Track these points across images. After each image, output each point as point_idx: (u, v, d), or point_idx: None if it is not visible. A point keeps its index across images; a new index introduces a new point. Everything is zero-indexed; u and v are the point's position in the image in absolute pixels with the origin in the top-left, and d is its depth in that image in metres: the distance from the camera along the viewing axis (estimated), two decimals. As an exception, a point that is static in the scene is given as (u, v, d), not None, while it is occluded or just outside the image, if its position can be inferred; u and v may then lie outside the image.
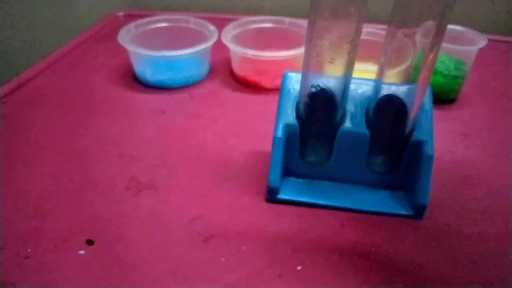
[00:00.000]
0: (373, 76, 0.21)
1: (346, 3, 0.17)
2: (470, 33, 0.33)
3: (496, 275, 0.20)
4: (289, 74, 0.24)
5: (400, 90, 0.20)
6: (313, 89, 0.20)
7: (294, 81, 0.23)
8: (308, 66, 0.20)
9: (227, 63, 0.38)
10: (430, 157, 0.21)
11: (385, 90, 0.20)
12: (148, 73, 0.34)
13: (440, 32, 0.17)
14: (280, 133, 0.22)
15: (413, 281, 0.19)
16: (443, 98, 0.34)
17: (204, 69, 0.37)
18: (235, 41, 0.35)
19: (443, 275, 0.20)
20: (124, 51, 0.35)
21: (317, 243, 0.21)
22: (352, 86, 0.23)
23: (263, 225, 0.22)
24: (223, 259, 0.20)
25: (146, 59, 0.34)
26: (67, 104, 0.33)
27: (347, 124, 0.22)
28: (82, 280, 0.19)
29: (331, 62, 0.19)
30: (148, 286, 0.19)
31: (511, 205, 0.24)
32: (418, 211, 0.22)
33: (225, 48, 0.34)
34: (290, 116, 0.22)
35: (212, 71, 0.38)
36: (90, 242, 0.21)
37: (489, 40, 0.32)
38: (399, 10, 0.18)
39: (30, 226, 0.22)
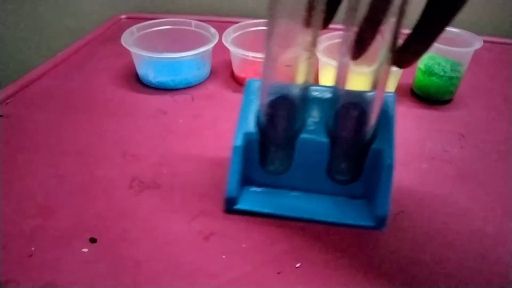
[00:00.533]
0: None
1: (302, 10, 0.17)
2: (465, 34, 0.33)
3: (492, 273, 0.20)
4: (252, 81, 0.23)
5: (360, 97, 0.19)
6: (271, 96, 0.20)
7: (257, 88, 0.23)
8: (266, 73, 0.19)
9: (228, 65, 0.39)
10: (390, 166, 0.21)
11: (345, 97, 0.20)
12: (150, 75, 0.35)
13: (397, 31, 0.17)
14: (239, 141, 0.22)
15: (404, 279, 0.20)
16: (439, 99, 0.34)
17: (205, 71, 0.37)
18: (236, 44, 0.35)
19: (439, 273, 0.20)
20: (127, 53, 0.35)
21: (314, 242, 0.21)
22: (314, 93, 0.22)
23: (264, 223, 0.22)
24: (224, 256, 0.20)
25: (148, 61, 0.34)
26: (70, 104, 0.33)
27: (307, 132, 0.22)
28: (85, 278, 0.19)
29: (288, 68, 0.19)
30: (150, 284, 0.19)
31: (506, 203, 0.24)
32: (379, 222, 0.21)
33: (225, 50, 0.35)
34: (250, 124, 0.22)
35: (213, 73, 0.38)
36: (93, 240, 0.21)
37: (485, 41, 0.32)
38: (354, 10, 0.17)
39: (34, 224, 0.22)
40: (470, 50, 0.32)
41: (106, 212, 0.23)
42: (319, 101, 0.22)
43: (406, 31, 0.17)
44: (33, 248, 0.21)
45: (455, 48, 0.32)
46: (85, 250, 0.21)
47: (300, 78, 0.19)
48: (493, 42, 0.44)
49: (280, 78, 0.19)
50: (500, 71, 0.40)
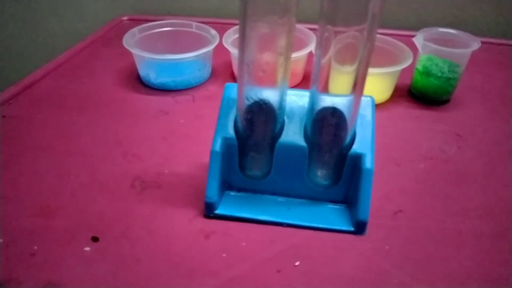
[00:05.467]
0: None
1: (274, 14, 0.17)
2: (463, 35, 0.33)
3: (490, 273, 0.20)
4: (230, 85, 0.23)
5: (337, 101, 0.19)
6: (247, 101, 0.20)
7: (235, 93, 0.22)
8: (242, 78, 0.19)
9: (228, 66, 0.39)
10: (370, 171, 0.21)
11: (323, 101, 0.20)
12: (152, 76, 0.35)
13: (370, 36, 0.17)
14: (218, 146, 0.22)
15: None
16: (437, 99, 0.34)
17: (206, 72, 0.37)
18: (236, 45, 0.36)
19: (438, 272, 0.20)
20: (128, 54, 0.35)
21: (313, 240, 0.22)
22: (293, 98, 0.22)
23: (263, 222, 0.23)
24: (224, 255, 0.21)
25: (150, 62, 0.34)
26: (73, 105, 0.33)
27: (285, 136, 0.22)
28: (88, 276, 0.19)
29: (264, 73, 0.19)
30: (152, 282, 0.19)
31: (503, 203, 0.24)
32: (359, 227, 0.21)
33: (226, 51, 0.35)
34: (229, 129, 0.22)
35: (213, 74, 0.38)
36: (95, 239, 0.21)
37: (482, 42, 0.32)
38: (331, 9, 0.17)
39: (36, 223, 0.22)
40: (468, 51, 0.32)
41: (108, 211, 0.23)
42: (300, 105, 0.22)
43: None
44: (35, 247, 0.21)
45: (452, 49, 0.32)
46: (87, 249, 0.21)
47: (275, 82, 0.19)
48: (490, 43, 0.44)
49: (256, 83, 0.19)
50: (497, 72, 0.40)
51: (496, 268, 0.20)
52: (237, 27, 0.38)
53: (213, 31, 0.37)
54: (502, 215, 0.24)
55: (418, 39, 0.33)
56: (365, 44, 0.17)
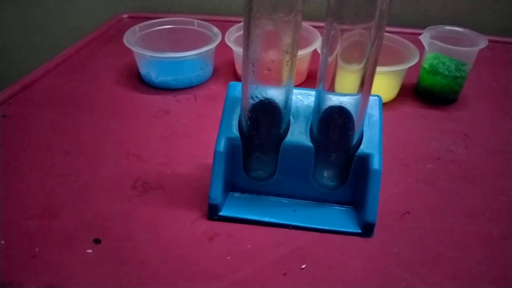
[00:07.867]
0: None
1: (280, 11, 0.16)
2: (470, 34, 0.33)
3: (498, 274, 0.20)
4: (234, 84, 0.23)
5: (344, 101, 0.19)
6: (251, 101, 0.20)
7: (239, 92, 0.22)
8: (246, 77, 0.19)
9: (231, 64, 0.39)
10: (378, 172, 0.20)
11: (329, 101, 0.19)
12: (153, 74, 0.35)
13: (378, 34, 0.16)
14: (221, 147, 0.21)
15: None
16: (444, 98, 0.34)
17: (208, 70, 0.37)
18: (238, 43, 0.35)
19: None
20: (129, 52, 0.35)
21: (319, 243, 0.21)
22: (298, 97, 0.22)
23: (268, 223, 0.22)
24: (228, 257, 0.20)
25: (151, 61, 0.34)
26: (73, 104, 0.33)
27: (290, 136, 0.21)
28: (89, 279, 0.19)
29: (269, 72, 0.18)
30: (154, 285, 0.19)
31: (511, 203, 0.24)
32: (366, 229, 0.21)
33: (228, 49, 0.35)
34: (233, 129, 0.22)
35: (215, 72, 0.38)
36: (97, 241, 0.21)
37: (490, 41, 0.32)
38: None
39: (38, 225, 0.22)
40: (475, 49, 0.32)
41: (110, 213, 0.23)
42: (306, 105, 0.22)
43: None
44: (36, 249, 0.21)
45: (459, 48, 0.32)
46: (89, 251, 0.21)
47: (281, 81, 0.19)
48: (497, 41, 0.44)
49: (261, 81, 0.19)
50: (504, 70, 0.40)
51: (505, 269, 0.20)
52: (239, 24, 0.37)
53: (215, 29, 0.37)
54: (510, 216, 0.23)
55: (425, 37, 0.32)
56: (372, 42, 0.17)
